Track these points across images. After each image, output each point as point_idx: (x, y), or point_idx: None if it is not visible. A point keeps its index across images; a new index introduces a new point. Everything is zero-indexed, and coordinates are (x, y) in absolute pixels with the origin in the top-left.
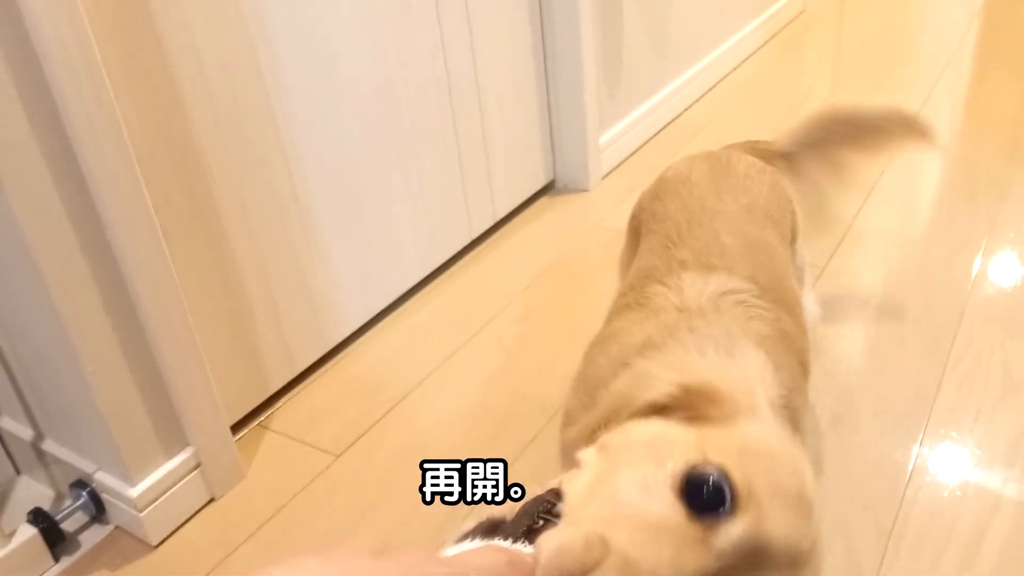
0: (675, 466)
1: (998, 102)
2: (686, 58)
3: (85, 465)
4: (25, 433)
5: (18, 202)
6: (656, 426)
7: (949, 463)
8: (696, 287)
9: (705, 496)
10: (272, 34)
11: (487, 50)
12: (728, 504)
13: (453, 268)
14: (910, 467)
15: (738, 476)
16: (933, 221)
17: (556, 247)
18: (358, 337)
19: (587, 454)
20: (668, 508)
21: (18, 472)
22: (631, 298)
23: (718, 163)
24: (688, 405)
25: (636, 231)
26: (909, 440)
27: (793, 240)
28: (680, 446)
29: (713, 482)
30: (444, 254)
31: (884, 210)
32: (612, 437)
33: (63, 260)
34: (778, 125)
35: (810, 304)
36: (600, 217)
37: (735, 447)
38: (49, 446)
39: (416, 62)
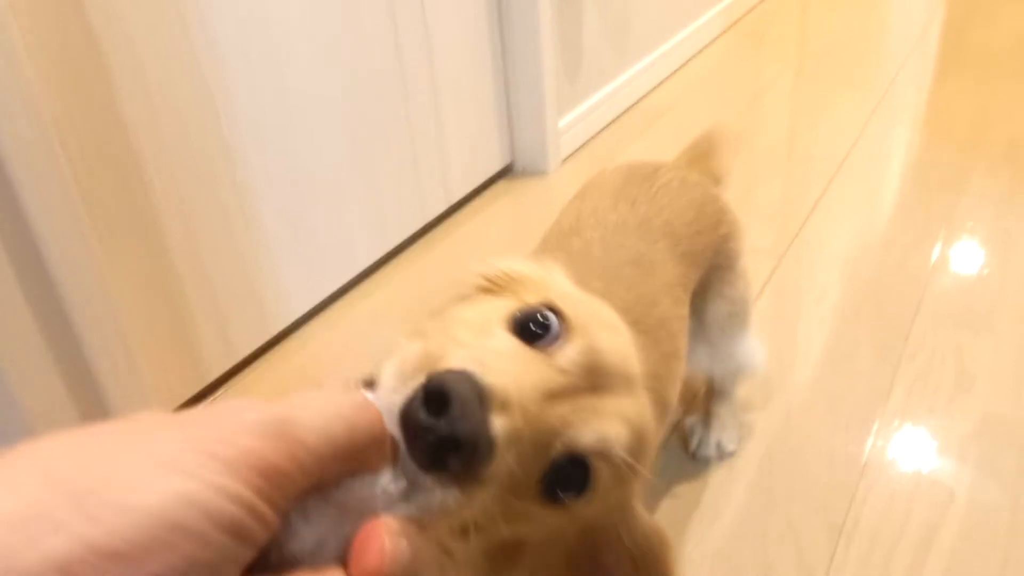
0: (504, 311)
1: (957, 97)
2: (647, 42)
3: None
4: None
5: None
6: (471, 303)
7: (901, 459)
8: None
9: (537, 327)
10: (209, 13)
11: (442, 31)
12: (559, 329)
13: (405, 253)
14: (862, 463)
15: (563, 308)
16: (889, 219)
17: (514, 231)
18: (303, 324)
19: (407, 340)
20: (507, 340)
21: None
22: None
23: (638, 173)
24: (497, 289)
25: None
26: (861, 437)
27: (720, 270)
28: (502, 304)
29: (542, 315)
30: (395, 238)
31: (839, 209)
32: (430, 322)
33: None
34: (738, 113)
35: (749, 346)
36: (559, 201)
37: (552, 294)
38: None
39: (367, 41)
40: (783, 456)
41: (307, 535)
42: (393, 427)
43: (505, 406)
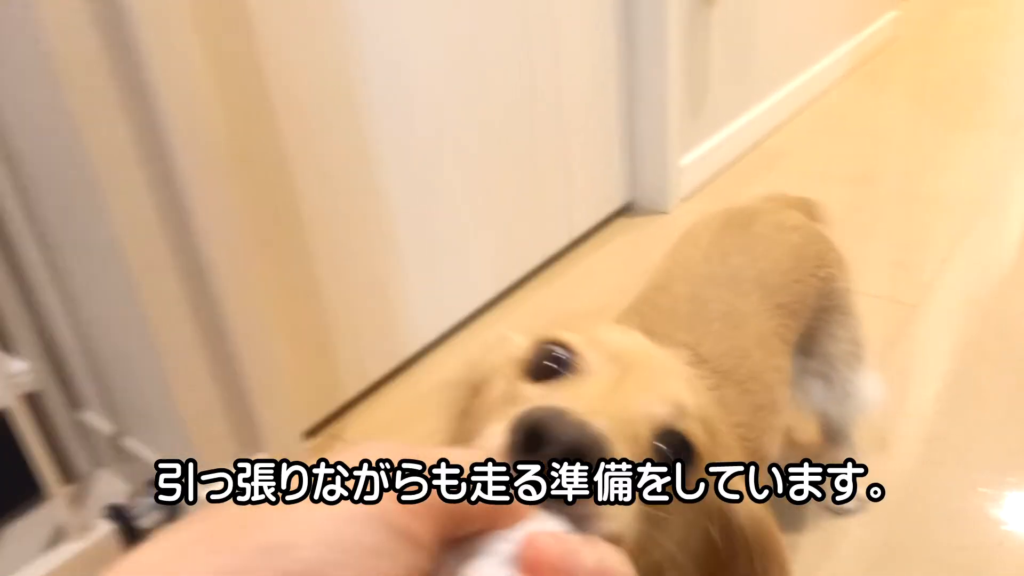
0: (517, 364)
1: None
2: (771, 82)
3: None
4: (107, 428)
5: (115, 207)
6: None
7: None
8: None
9: (551, 361)
10: (363, 52)
11: (571, 68)
12: (570, 356)
13: (527, 286)
14: (998, 526)
15: (568, 338)
16: (1016, 274)
17: (632, 270)
18: (430, 352)
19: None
20: (534, 390)
21: (99, 466)
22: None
23: (734, 220)
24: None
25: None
26: (996, 495)
27: (827, 312)
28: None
29: (551, 351)
30: (518, 272)
31: (970, 254)
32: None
33: (153, 264)
34: (861, 156)
35: (866, 384)
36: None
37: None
38: (129, 443)
39: (501, 79)
40: (906, 513)
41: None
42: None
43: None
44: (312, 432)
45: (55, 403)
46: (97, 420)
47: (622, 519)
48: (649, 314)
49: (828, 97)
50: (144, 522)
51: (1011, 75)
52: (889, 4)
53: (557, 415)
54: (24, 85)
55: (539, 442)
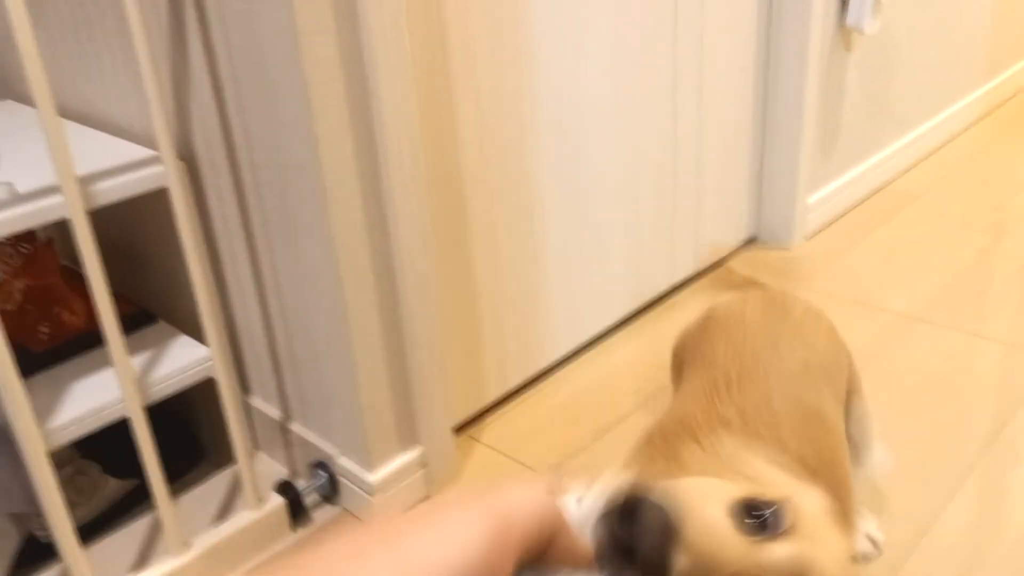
0: (730, 491)
1: None
2: (905, 123)
3: (328, 448)
4: (273, 413)
5: (333, 212)
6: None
7: None
8: (737, 457)
9: (758, 514)
10: (536, 88)
11: (712, 100)
12: (781, 525)
13: (654, 310)
14: None
15: (793, 509)
16: None
17: None
18: (564, 365)
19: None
20: (723, 518)
21: (257, 448)
22: (659, 446)
23: (773, 305)
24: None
25: (680, 368)
26: None
27: (850, 395)
28: (728, 486)
29: (773, 509)
30: (648, 294)
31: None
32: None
33: (357, 268)
34: (992, 203)
35: (878, 455)
36: (800, 277)
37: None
38: (295, 427)
39: (649, 108)
40: None
41: None
42: (589, 532)
43: (691, 552)
44: (456, 431)
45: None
46: (263, 405)
47: None
48: (744, 409)
49: (960, 142)
50: (309, 500)
51: None
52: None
53: (657, 523)
54: (280, 106)
55: (630, 523)
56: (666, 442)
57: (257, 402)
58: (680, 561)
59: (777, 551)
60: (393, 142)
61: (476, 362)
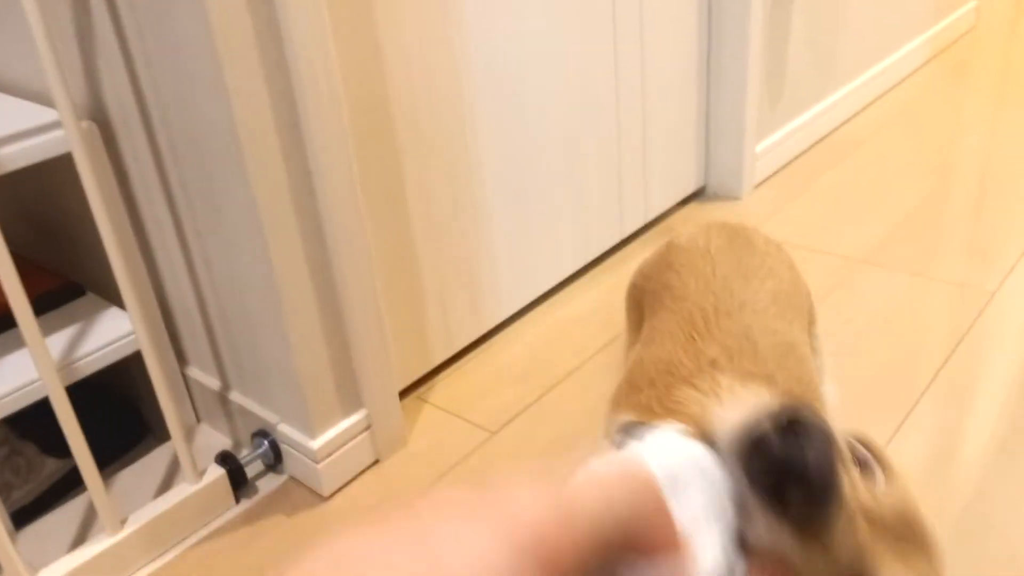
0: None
1: None
2: (849, 70)
3: (269, 416)
4: (212, 383)
5: (254, 173)
6: None
7: None
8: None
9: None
10: (467, 41)
11: (655, 52)
12: (873, 465)
13: (604, 264)
14: None
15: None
16: None
17: None
18: (512, 322)
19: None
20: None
21: (198, 420)
22: (650, 394)
23: (736, 237)
24: None
25: (639, 303)
26: None
27: (811, 325)
28: None
29: (860, 451)
30: (596, 250)
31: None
32: None
33: (284, 230)
34: (938, 146)
35: (830, 394)
36: (752, 227)
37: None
38: (235, 397)
39: (591, 60)
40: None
41: None
42: (727, 455)
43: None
44: (402, 394)
45: (168, 358)
46: (202, 376)
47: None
48: (728, 346)
49: (906, 87)
50: (250, 470)
51: None
52: None
53: (825, 436)
54: (190, 63)
55: (787, 440)
56: (656, 389)
57: (195, 372)
58: (847, 481)
59: (888, 492)
60: (313, 95)
61: (421, 323)
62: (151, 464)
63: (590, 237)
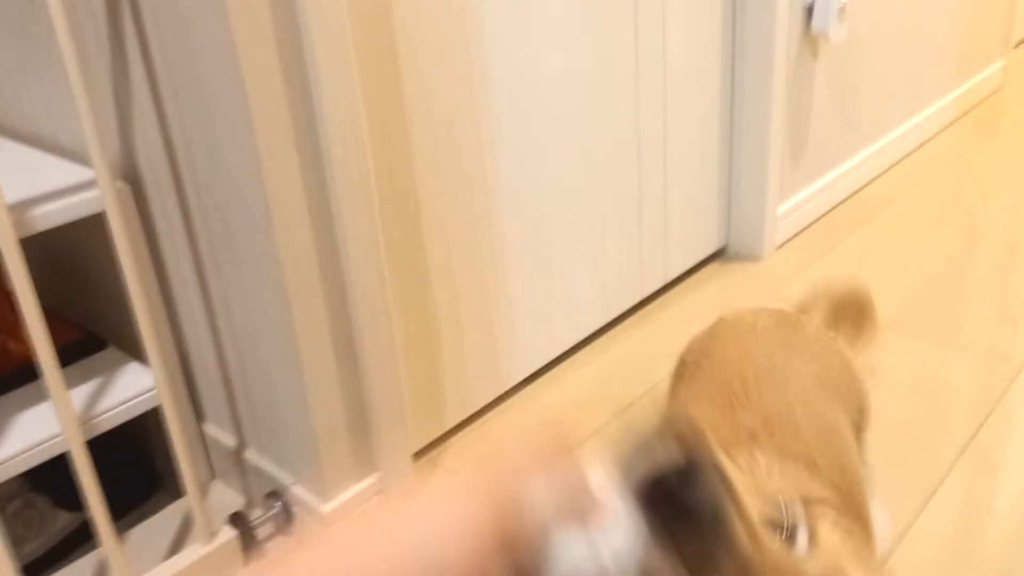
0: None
1: None
2: (873, 130)
3: (283, 477)
4: (228, 440)
5: (280, 230)
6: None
7: None
8: (773, 479)
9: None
10: (490, 96)
11: (676, 110)
12: (805, 539)
13: (623, 324)
14: None
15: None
16: None
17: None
18: (530, 383)
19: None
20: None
21: (213, 476)
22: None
23: (785, 318)
24: None
25: (680, 377)
26: None
27: (860, 429)
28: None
29: (792, 523)
30: (616, 309)
31: None
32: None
33: (307, 292)
34: (965, 207)
35: (880, 515)
36: (772, 288)
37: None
38: (250, 455)
39: (611, 120)
40: None
41: None
42: (626, 491)
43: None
44: (417, 456)
45: (185, 414)
46: (218, 432)
47: None
48: (767, 418)
49: (931, 147)
50: (261, 532)
51: None
52: (996, 53)
53: (714, 480)
54: (222, 125)
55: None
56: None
57: (211, 429)
58: (736, 522)
59: (811, 563)
60: (340, 159)
61: (437, 384)
62: (163, 521)
63: (609, 297)
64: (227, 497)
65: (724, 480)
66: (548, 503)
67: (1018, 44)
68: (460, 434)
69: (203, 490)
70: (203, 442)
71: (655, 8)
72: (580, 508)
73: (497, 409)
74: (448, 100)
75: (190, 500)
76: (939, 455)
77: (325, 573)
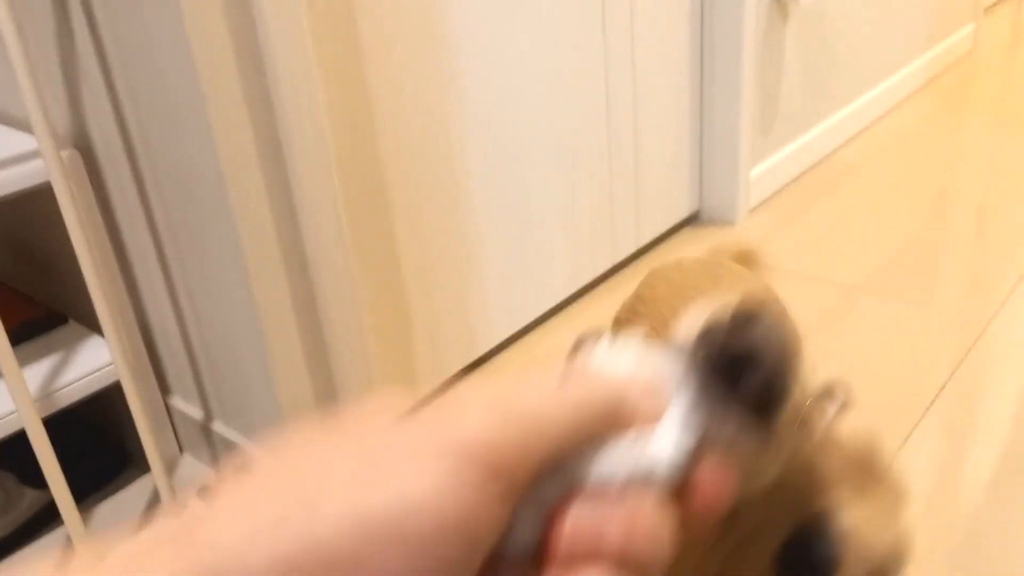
0: None
1: None
2: (844, 95)
3: (251, 448)
4: (195, 413)
5: (237, 205)
6: None
7: None
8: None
9: None
10: (459, 65)
11: (647, 77)
12: None
13: (596, 290)
14: None
15: None
16: None
17: None
18: (503, 350)
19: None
20: None
21: (181, 450)
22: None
23: (710, 260)
24: None
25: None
26: None
27: None
28: None
29: None
30: (588, 275)
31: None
32: None
33: (266, 262)
34: (934, 173)
35: None
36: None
37: None
38: (218, 427)
39: (581, 85)
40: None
41: (519, 533)
42: (686, 349)
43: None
44: None
45: (150, 388)
46: (184, 406)
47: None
48: None
49: (902, 112)
50: None
51: None
52: (966, 17)
53: (777, 330)
54: (173, 96)
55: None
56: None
57: (178, 402)
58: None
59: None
60: (296, 128)
61: (409, 351)
62: (132, 495)
63: (581, 263)
64: (197, 470)
65: (785, 333)
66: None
67: (989, 8)
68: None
69: (171, 464)
70: (170, 416)
71: None
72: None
73: (469, 376)
74: (414, 68)
75: (154, 473)
76: (910, 409)
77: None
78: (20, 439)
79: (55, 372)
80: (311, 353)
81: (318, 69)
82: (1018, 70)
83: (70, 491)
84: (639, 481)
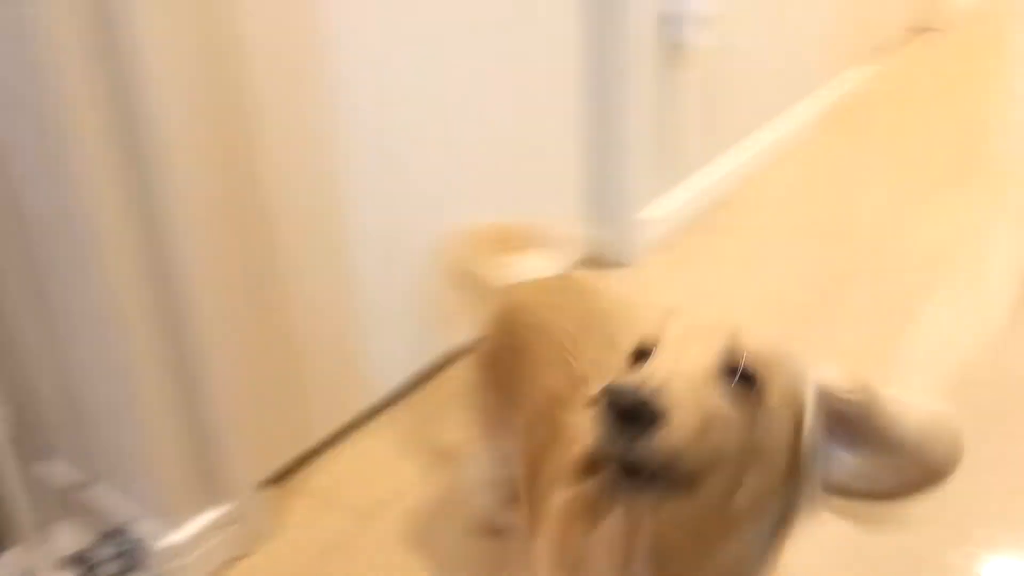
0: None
1: None
2: (739, 135)
3: (129, 511)
4: (66, 478)
5: (108, 262)
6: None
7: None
8: None
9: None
10: (348, 113)
11: (534, 113)
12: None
13: None
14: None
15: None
16: (1001, 327)
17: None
18: (397, 401)
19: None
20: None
21: (61, 516)
22: (544, 433)
23: (554, 281)
24: None
25: (496, 362)
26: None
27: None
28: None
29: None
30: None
31: (942, 314)
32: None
33: (136, 313)
34: (831, 207)
35: None
36: (640, 292)
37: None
38: (93, 491)
39: (458, 130)
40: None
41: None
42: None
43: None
44: (281, 478)
45: (18, 453)
46: (61, 468)
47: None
48: (598, 362)
49: (800, 151)
50: (104, 570)
51: (988, 131)
52: (864, 57)
53: (634, 392)
54: (36, 154)
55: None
56: (544, 422)
57: (59, 466)
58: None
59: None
60: (171, 186)
61: (293, 408)
62: (4, 569)
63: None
64: (73, 536)
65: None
66: None
67: (882, 48)
68: (319, 458)
69: (43, 530)
70: (41, 482)
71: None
72: None
73: (359, 430)
74: (295, 116)
75: (22, 545)
76: None
77: None
78: None
79: None
80: (184, 414)
81: (201, 126)
82: (914, 109)
83: None
84: None
